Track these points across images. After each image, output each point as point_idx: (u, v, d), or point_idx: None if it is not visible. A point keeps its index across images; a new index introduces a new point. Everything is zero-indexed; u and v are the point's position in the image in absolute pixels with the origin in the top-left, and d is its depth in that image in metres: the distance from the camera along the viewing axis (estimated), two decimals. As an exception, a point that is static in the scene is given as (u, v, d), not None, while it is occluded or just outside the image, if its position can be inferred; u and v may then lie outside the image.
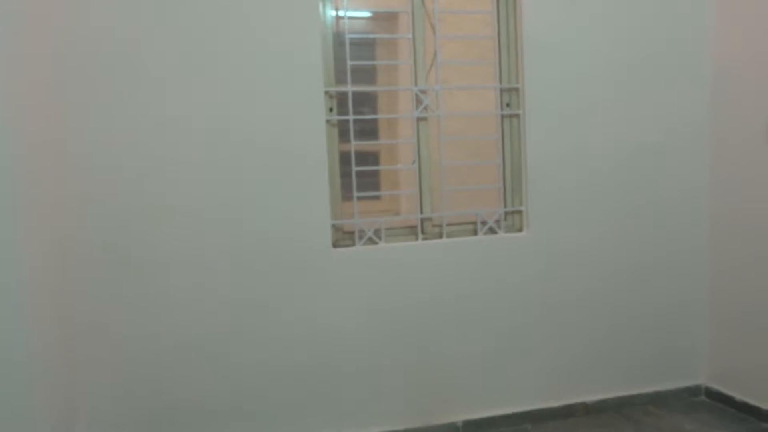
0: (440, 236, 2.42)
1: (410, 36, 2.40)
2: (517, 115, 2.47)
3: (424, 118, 2.42)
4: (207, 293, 2.21)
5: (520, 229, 2.51)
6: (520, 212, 2.50)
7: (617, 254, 2.59)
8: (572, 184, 2.51)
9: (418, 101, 2.41)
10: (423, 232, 2.42)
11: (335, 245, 2.33)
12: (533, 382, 2.52)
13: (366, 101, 3.00)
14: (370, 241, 2.37)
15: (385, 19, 3.22)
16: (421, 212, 2.43)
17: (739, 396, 2.55)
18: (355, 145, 2.35)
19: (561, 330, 2.54)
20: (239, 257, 2.22)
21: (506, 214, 2.51)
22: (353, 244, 2.36)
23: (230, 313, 2.23)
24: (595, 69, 2.51)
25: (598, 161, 2.53)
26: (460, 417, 2.44)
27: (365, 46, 3.14)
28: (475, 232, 2.46)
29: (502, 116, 2.48)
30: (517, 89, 2.46)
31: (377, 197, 2.63)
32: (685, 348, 2.71)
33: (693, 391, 2.70)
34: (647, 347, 2.67)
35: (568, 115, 2.48)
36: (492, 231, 2.47)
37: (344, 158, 2.36)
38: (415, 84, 2.41)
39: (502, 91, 2.48)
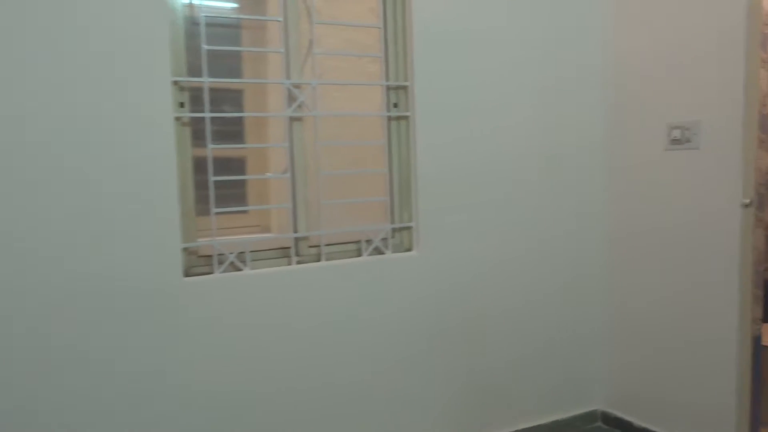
0: (318, 259, 2.07)
1: (281, 19, 2.03)
2: (406, 117, 2.18)
3: (299, 118, 2.06)
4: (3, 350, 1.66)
5: (409, 248, 2.22)
6: (409, 228, 2.22)
7: (514, 274, 2.39)
8: (467, 196, 2.27)
9: (291, 98, 2.04)
10: (298, 254, 2.06)
11: (187, 274, 1.89)
12: (422, 418, 2.25)
13: (229, 97, 2.58)
14: (233, 266, 1.95)
15: (254, 2, 2.85)
16: (296, 231, 2.07)
17: (638, 421, 2.45)
18: (214, 149, 1.92)
19: (453, 361, 2.28)
20: (49, 298, 1.69)
21: (394, 231, 2.21)
22: (211, 272, 1.93)
23: (37, 373, 1.69)
24: (494, 67, 2.29)
25: (497, 170, 2.32)
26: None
27: (228, 34, 2.74)
28: (359, 253, 2.14)
29: (389, 118, 2.19)
30: (405, 87, 2.18)
31: (243, 212, 2.25)
32: (583, 374, 2.58)
33: (589, 417, 2.57)
34: (546, 375, 2.50)
35: (464, 117, 2.24)
36: (378, 251, 2.16)
37: (200, 165, 1.93)
38: (288, 77, 2.05)
39: (389, 89, 2.18)
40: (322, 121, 2.09)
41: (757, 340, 2.18)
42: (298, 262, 2.05)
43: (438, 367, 2.26)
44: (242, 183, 2.51)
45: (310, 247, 2.10)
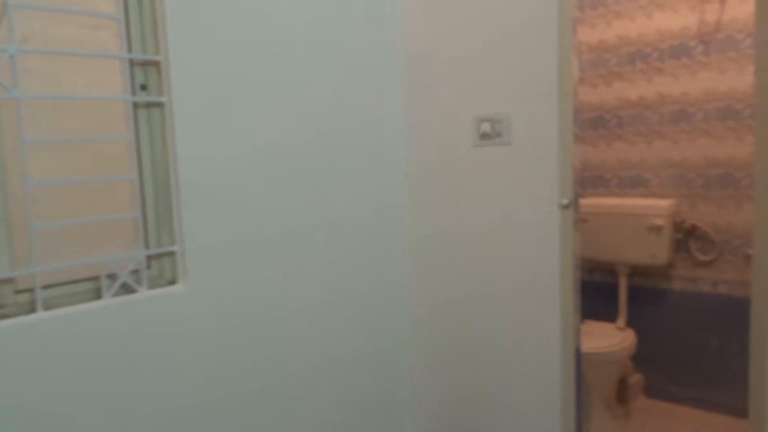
0: (32, 309, 1.43)
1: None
2: (160, 104, 1.63)
3: (-12, 102, 1.43)
4: None
5: (173, 281, 1.68)
6: (171, 254, 1.67)
7: (312, 299, 1.99)
8: (249, 205, 1.80)
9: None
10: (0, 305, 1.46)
11: None
12: None
13: None
14: None
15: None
16: (-10, 270, 1.43)
17: (458, 457, 2.25)
18: None
19: (240, 426, 1.84)
20: None
21: (150, 258, 1.66)
22: None
23: None
24: (278, 43, 1.85)
25: (284, 171, 1.88)
26: None
27: None
28: (98, 295, 1.54)
29: (136, 105, 1.62)
30: (157, 63, 1.63)
31: None
32: (390, 402, 2.27)
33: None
34: (347, 405, 2.16)
35: (241, 105, 1.77)
36: (128, 288, 1.58)
37: None
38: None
39: (133, 65, 1.62)
40: (31, 104, 1.47)
41: (578, 350, 2.06)
42: (0, 317, 1.43)
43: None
44: None
45: (18, 292, 1.44)
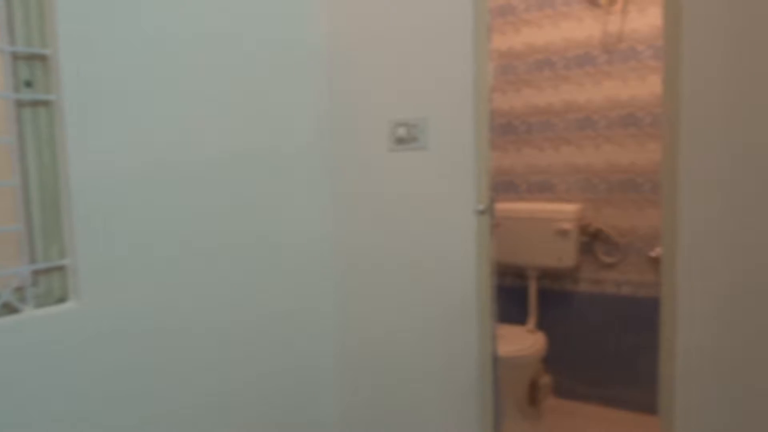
0: None
1: None
2: (47, 103, 1.47)
3: None
4: None
5: (63, 299, 1.51)
6: (62, 269, 1.51)
7: (224, 318, 1.86)
8: (152, 216, 1.66)
9: None
10: None
11: None
12: None
13: None
14: None
15: None
16: None
17: (377, 471, 2.20)
18: None
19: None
20: None
21: (37, 274, 1.48)
22: None
23: None
24: (183, 39, 1.71)
25: (191, 176, 1.75)
26: None
27: None
28: (-27, 316, 1.40)
29: (20, 104, 1.44)
30: (44, 57, 1.46)
31: None
32: (313, 423, 2.19)
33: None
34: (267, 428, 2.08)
35: (141, 104, 1.62)
36: (10, 309, 1.41)
37: None
38: None
39: (16, 58, 1.44)
40: None
41: (495, 356, 2.06)
42: None
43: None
44: None
45: None
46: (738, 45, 1.62)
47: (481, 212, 1.95)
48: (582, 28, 2.93)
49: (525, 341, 2.79)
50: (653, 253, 2.77)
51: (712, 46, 1.64)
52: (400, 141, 2.09)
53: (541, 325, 3.07)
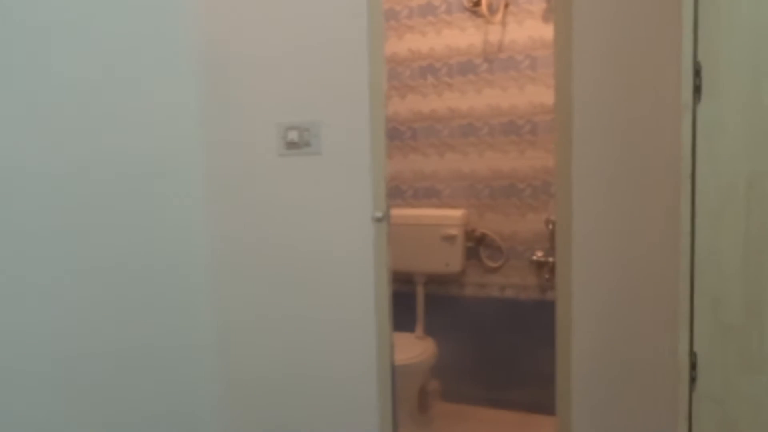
0: None
1: None
2: None
3: None
4: None
5: None
6: None
7: (68, 347, 1.70)
8: (9, 229, 1.48)
9: None
10: None
11: None
12: None
13: None
14: None
15: None
16: None
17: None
18: None
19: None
20: None
21: None
22: None
23: None
24: (38, 22, 1.53)
25: (49, 186, 1.58)
26: None
27: None
28: None
29: None
30: None
31: None
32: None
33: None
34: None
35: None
36: None
37: None
38: None
39: None
40: None
41: (393, 365, 2.02)
42: None
43: None
44: None
45: None
46: (617, 56, 1.71)
47: (379, 220, 1.90)
48: (464, 37, 2.98)
49: (416, 348, 2.77)
50: (535, 257, 2.88)
51: (597, 58, 1.73)
52: (292, 145, 1.99)
53: (428, 331, 3.08)
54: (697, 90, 1.14)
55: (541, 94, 2.86)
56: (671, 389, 1.39)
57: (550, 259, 2.83)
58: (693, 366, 1.18)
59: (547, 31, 2.81)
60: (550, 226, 2.85)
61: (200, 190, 2.06)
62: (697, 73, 1.14)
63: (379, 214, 1.90)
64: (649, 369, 1.72)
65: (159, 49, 1.93)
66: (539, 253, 2.89)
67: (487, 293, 3.06)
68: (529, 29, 2.85)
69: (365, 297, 1.95)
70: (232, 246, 2.08)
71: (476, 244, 3.03)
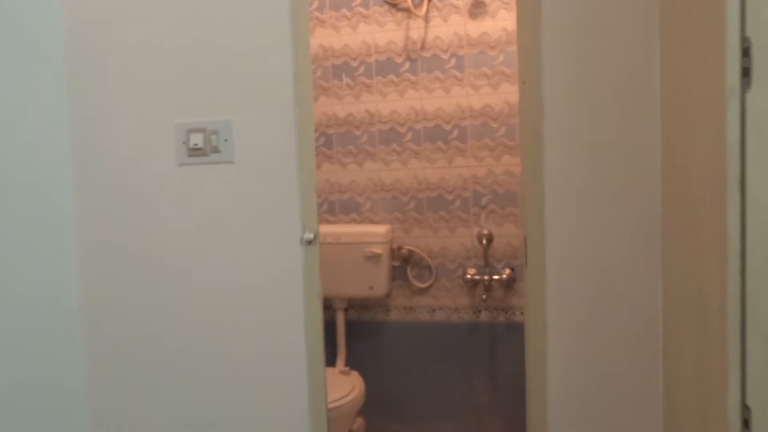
0: None
1: None
2: None
3: None
4: None
5: None
6: None
7: None
8: None
9: None
10: None
11: None
12: None
13: None
14: None
15: None
16: None
17: None
18: None
19: None
20: None
21: None
22: None
23: None
24: None
25: None
26: None
27: None
28: None
29: None
30: None
31: None
32: None
33: None
34: None
35: None
36: None
37: None
38: None
39: None
40: None
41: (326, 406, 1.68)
42: None
43: None
44: None
45: None
46: (587, 53, 1.49)
47: (310, 242, 1.56)
48: (383, 33, 2.69)
49: (342, 387, 2.41)
50: (468, 275, 2.64)
51: (567, 51, 1.50)
52: (196, 152, 1.60)
53: (351, 362, 2.74)
54: (745, 73, 0.91)
55: (468, 97, 2.62)
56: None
57: (485, 277, 2.61)
58: (745, 423, 0.94)
59: (473, 28, 2.59)
60: (484, 242, 2.63)
61: (67, 211, 1.63)
62: (745, 52, 0.91)
63: (310, 236, 1.55)
64: (630, 399, 1.51)
65: (10, 30, 1.50)
66: (471, 271, 2.64)
67: (416, 317, 2.76)
68: (454, 25, 2.62)
69: (295, 332, 1.60)
70: (111, 279, 1.65)
71: (402, 262, 2.74)
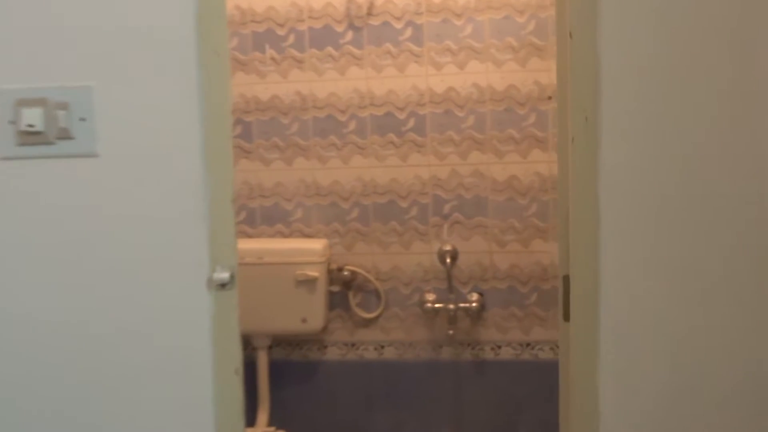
0: None
1: None
2: None
3: None
4: None
5: None
6: None
7: None
8: None
9: None
10: None
11: None
12: None
13: None
14: None
15: None
16: None
17: None
18: None
19: None
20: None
21: None
22: None
23: None
24: None
25: None
26: None
27: None
28: None
29: None
30: None
31: None
32: None
33: None
34: None
35: None
36: None
37: None
38: None
39: None
40: None
41: None
42: None
43: None
44: None
45: None
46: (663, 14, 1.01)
47: (224, 285, 1.00)
48: (319, -7, 2.18)
49: (265, 457, 1.88)
50: (427, 303, 2.14)
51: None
52: (32, 137, 1.01)
53: (277, 418, 2.17)
54: None
55: (428, 77, 2.12)
56: None
57: (450, 306, 2.12)
58: None
59: (435, -10, 2.11)
60: (447, 260, 2.14)
61: None
62: None
63: (223, 276, 0.98)
64: None
65: None
66: (431, 297, 2.14)
67: (360, 355, 2.23)
68: (409, -14, 2.13)
69: (203, 406, 1.04)
70: None
71: (343, 287, 2.20)
